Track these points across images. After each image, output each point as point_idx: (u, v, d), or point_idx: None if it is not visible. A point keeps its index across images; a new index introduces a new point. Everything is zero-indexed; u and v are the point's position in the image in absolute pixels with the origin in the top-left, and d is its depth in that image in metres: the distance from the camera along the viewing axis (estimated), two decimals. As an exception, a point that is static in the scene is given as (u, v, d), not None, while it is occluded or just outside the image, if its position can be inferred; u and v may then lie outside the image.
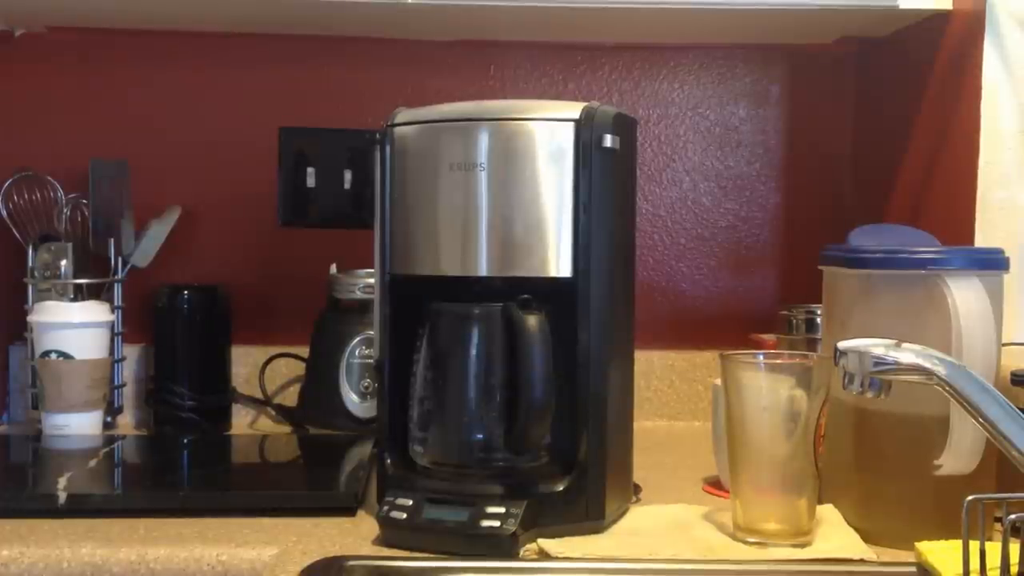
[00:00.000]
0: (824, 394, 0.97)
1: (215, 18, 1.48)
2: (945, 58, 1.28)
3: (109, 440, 1.39)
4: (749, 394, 0.98)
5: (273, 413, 1.53)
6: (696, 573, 0.92)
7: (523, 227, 0.98)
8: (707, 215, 1.61)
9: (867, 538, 0.97)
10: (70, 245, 1.43)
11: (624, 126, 1.03)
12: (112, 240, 1.45)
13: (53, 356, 1.38)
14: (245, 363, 1.53)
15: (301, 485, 1.25)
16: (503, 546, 0.94)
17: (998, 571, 0.74)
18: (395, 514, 0.97)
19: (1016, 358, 1.06)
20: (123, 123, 1.55)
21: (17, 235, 1.45)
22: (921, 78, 1.33)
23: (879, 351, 0.79)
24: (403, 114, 1.04)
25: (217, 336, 1.50)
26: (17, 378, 1.51)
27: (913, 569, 0.90)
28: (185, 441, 1.41)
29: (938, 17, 1.28)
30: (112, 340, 1.45)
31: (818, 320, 1.30)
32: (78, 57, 1.55)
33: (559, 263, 0.98)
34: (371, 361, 1.37)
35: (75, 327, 1.38)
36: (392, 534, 0.97)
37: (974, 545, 0.74)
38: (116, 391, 1.48)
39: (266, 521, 1.02)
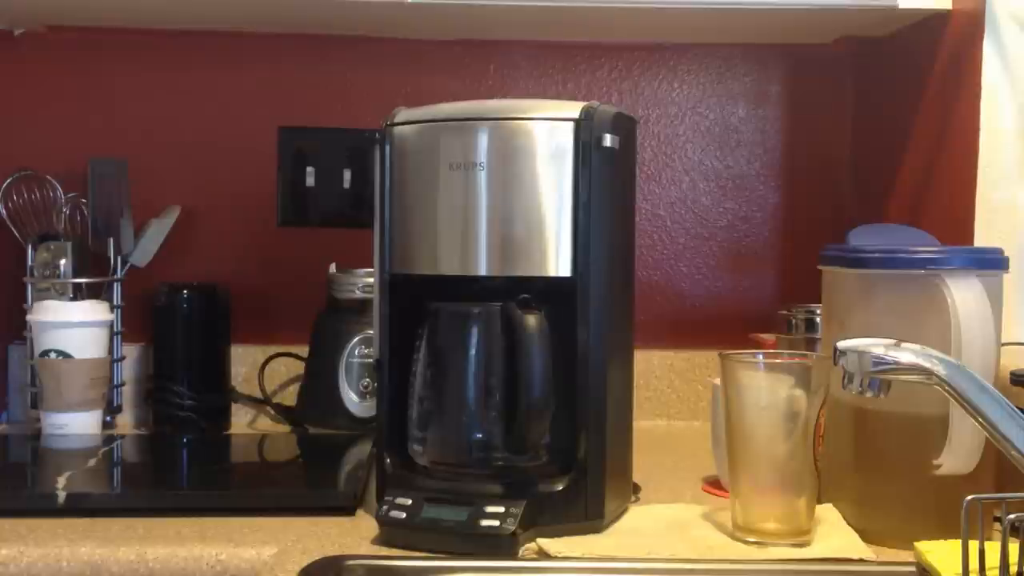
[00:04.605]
0: (823, 394, 0.97)
1: (215, 18, 1.48)
2: (945, 58, 1.27)
3: (108, 439, 1.39)
4: (748, 394, 0.98)
5: (272, 412, 1.52)
6: (695, 573, 0.92)
7: (523, 226, 0.98)
8: (706, 215, 1.61)
9: (866, 538, 0.97)
10: (69, 244, 1.43)
11: (624, 126, 1.03)
12: (111, 239, 1.45)
13: (52, 355, 1.38)
14: (244, 362, 1.53)
15: (300, 484, 1.25)
16: (502, 546, 0.94)
17: (997, 571, 0.74)
18: (394, 513, 0.97)
19: (1016, 358, 1.06)
20: (123, 123, 1.55)
21: (17, 234, 1.45)
22: (921, 78, 1.33)
23: (878, 351, 0.79)
24: (403, 114, 1.04)
25: (216, 335, 1.50)
26: (17, 377, 1.51)
27: (912, 569, 0.90)
28: (184, 440, 1.41)
29: (938, 17, 1.28)
30: (111, 339, 1.45)
31: (818, 320, 1.29)
32: (78, 57, 1.55)
33: (559, 262, 0.98)
34: (370, 360, 1.37)
35: (74, 326, 1.38)
36: (391, 533, 0.97)
37: (973, 545, 0.74)
38: (115, 390, 1.48)
39: (265, 520, 1.02)
